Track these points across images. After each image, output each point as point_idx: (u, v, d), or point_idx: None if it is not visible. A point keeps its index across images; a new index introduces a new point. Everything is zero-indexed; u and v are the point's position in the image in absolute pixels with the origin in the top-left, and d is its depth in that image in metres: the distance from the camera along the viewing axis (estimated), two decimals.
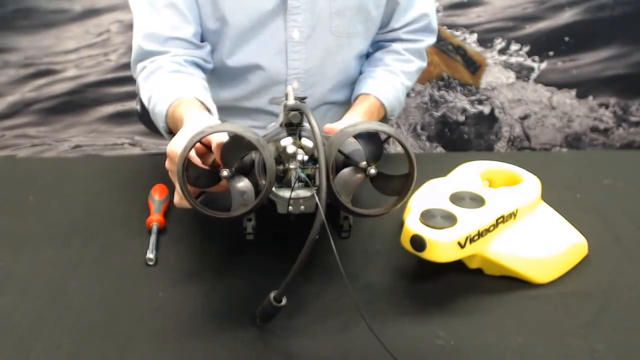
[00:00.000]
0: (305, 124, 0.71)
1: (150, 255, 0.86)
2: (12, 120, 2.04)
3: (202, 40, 1.08)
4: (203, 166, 0.73)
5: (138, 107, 1.38)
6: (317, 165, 0.68)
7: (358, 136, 0.70)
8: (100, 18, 1.94)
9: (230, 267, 0.86)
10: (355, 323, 0.75)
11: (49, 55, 1.97)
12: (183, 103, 0.91)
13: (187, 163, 0.67)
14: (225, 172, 0.68)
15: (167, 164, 0.77)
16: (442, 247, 0.77)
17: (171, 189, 0.96)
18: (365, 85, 1.12)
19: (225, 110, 1.17)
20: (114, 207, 0.99)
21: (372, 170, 0.69)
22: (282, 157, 0.71)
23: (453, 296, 0.80)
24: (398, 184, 0.70)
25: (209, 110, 0.93)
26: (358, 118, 1.03)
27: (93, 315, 0.77)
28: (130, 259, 0.86)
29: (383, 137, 0.72)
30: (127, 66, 1.06)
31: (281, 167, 0.71)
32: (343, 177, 0.70)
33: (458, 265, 0.82)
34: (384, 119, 1.15)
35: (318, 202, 0.63)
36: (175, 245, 0.89)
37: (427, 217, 0.79)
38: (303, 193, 0.71)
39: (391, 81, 1.13)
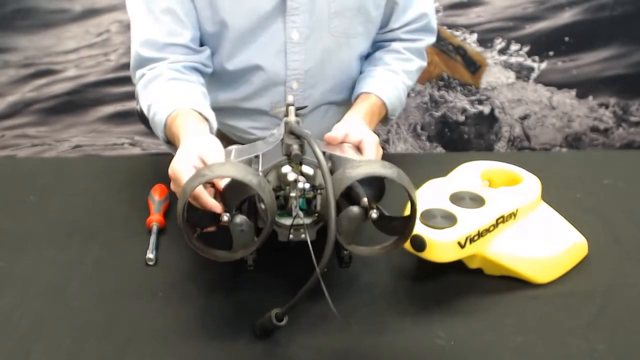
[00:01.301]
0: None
1: (150, 255, 0.86)
2: (12, 120, 2.04)
3: (202, 44, 1.08)
4: (206, 201, 0.73)
5: (138, 107, 1.38)
6: (318, 192, 0.70)
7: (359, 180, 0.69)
8: (100, 18, 1.93)
9: (230, 267, 0.85)
10: (355, 324, 0.75)
11: (49, 55, 1.97)
12: (180, 115, 0.91)
13: (187, 206, 0.67)
14: (225, 217, 0.69)
15: (172, 186, 0.79)
16: (442, 247, 0.77)
17: (172, 190, 0.96)
18: (366, 85, 1.12)
19: (226, 112, 1.17)
20: (114, 207, 0.99)
21: (374, 215, 0.69)
22: (282, 184, 0.71)
23: (453, 296, 0.80)
24: (399, 226, 0.70)
25: (207, 120, 0.93)
26: (359, 118, 1.03)
27: (93, 315, 0.77)
28: (130, 259, 0.87)
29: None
30: (127, 66, 1.06)
31: (282, 193, 0.71)
32: (346, 216, 0.70)
33: (458, 265, 0.82)
34: (385, 119, 1.14)
35: (311, 249, 0.64)
36: (175, 245, 0.89)
37: (427, 217, 0.79)
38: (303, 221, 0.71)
39: (392, 80, 1.13)
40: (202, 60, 1.06)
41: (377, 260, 0.86)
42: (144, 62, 1.03)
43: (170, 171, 0.77)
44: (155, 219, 0.92)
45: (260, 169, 0.75)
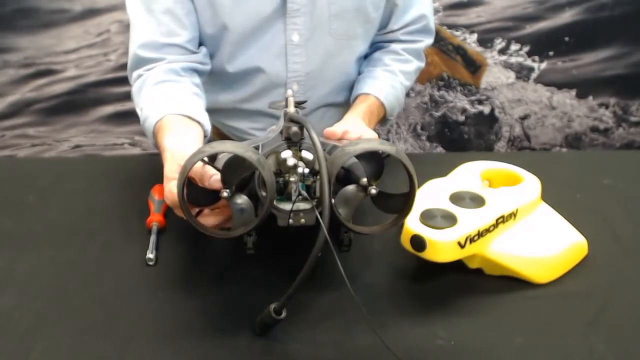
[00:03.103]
0: (305, 133, 0.72)
1: (150, 255, 0.86)
2: (12, 120, 2.04)
3: (200, 46, 1.08)
4: (203, 184, 0.73)
5: None
6: (318, 178, 0.69)
7: (358, 156, 0.70)
8: (100, 18, 1.93)
9: (230, 267, 0.86)
10: (355, 324, 0.75)
11: (49, 55, 1.97)
12: (163, 127, 0.89)
13: (186, 183, 0.67)
14: (225, 193, 0.68)
15: (165, 197, 0.77)
16: (442, 247, 0.77)
17: None
18: (365, 85, 1.12)
19: (226, 113, 1.17)
20: (114, 207, 0.99)
21: (373, 191, 0.70)
22: (282, 169, 0.71)
23: (453, 296, 0.80)
24: (398, 203, 0.70)
25: (199, 122, 0.92)
26: (358, 119, 1.03)
27: (93, 315, 0.77)
28: (130, 259, 0.87)
29: (384, 154, 0.72)
30: (126, 66, 1.06)
31: (281, 179, 0.71)
32: (344, 195, 0.71)
33: (458, 265, 0.82)
34: (384, 119, 1.14)
35: (320, 218, 0.64)
36: (175, 245, 0.89)
37: (427, 217, 0.79)
38: (303, 206, 0.71)
39: (390, 81, 1.13)
40: (199, 59, 1.05)
41: (377, 260, 0.86)
42: (141, 62, 1.02)
43: (167, 201, 0.77)
44: (155, 219, 0.92)
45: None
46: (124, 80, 1.07)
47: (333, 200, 0.69)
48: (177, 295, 0.80)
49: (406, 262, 0.85)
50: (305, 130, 0.71)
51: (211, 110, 1.01)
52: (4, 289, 0.82)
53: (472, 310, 0.78)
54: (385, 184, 0.73)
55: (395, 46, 1.17)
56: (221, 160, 0.72)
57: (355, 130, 0.89)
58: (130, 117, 2.01)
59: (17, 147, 2.07)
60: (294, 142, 0.72)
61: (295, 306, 0.76)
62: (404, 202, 0.70)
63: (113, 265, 0.86)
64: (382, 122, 1.16)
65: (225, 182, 0.69)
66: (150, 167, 1.10)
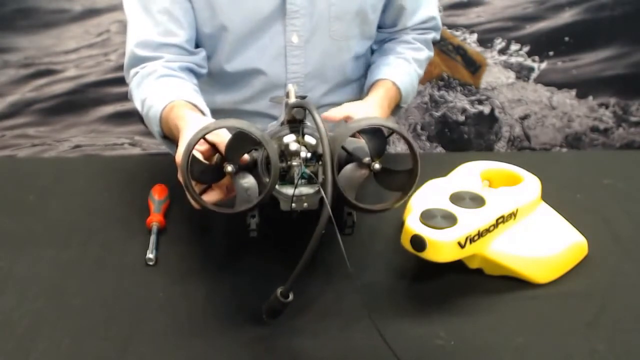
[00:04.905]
0: (307, 121, 0.72)
1: (150, 255, 0.86)
2: (12, 120, 2.04)
3: (198, 46, 1.08)
4: (207, 162, 0.73)
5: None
6: (321, 162, 0.68)
7: (362, 132, 0.70)
8: (100, 18, 1.93)
9: (230, 266, 0.86)
10: (356, 322, 0.75)
11: (49, 55, 1.97)
12: (176, 107, 0.91)
13: (191, 159, 0.67)
14: (229, 168, 0.68)
15: (179, 175, 0.77)
16: (442, 247, 0.77)
17: (172, 190, 0.96)
18: (381, 72, 1.12)
19: (225, 114, 1.17)
20: (113, 207, 0.99)
21: (377, 166, 0.70)
22: (285, 154, 0.71)
23: (453, 296, 0.80)
24: (402, 180, 0.70)
25: (202, 113, 0.93)
26: (377, 103, 1.04)
27: (93, 315, 0.77)
28: (130, 259, 0.87)
29: (386, 132, 0.72)
30: None
31: (284, 164, 0.71)
32: (347, 173, 0.71)
33: (458, 265, 0.82)
34: (397, 106, 1.15)
35: (324, 195, 0.63)
36: (175, 245, 0.89)
37: (427, 217, 0.79)
38: (306, 190, 0.71)
39: (405, 67, 1.14)
40: (197, 61, 1.05)
41: (377, 260, 0.86)
42: (138, 60, 1.02)
43: (177, 159, 0.76)
44: (155, 219, 0.92)
45: None
46: (124, 80, 1.07)
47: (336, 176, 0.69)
48: (177, 295, 0.80)
49: (406, 262, 0.85)
50: (307, 115, 0.71)
51: (211, 111, 1.01)
52: (4, 289, 0.82)
53: (472, 310, 0.78)
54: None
55: (406, 36, 1.18)
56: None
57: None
58: (130, 117, 2.01)
59: (17, 147, 2.07)
60: (297, 123, 0.72)
61: (299, 303, 0.76)
62: (408, 179, 0.69)
63: (113, 265, 0.86)
64: (395, 110, 1.16)
65: (229, 158, 0.69)
66: (150, 167, 1.10)
